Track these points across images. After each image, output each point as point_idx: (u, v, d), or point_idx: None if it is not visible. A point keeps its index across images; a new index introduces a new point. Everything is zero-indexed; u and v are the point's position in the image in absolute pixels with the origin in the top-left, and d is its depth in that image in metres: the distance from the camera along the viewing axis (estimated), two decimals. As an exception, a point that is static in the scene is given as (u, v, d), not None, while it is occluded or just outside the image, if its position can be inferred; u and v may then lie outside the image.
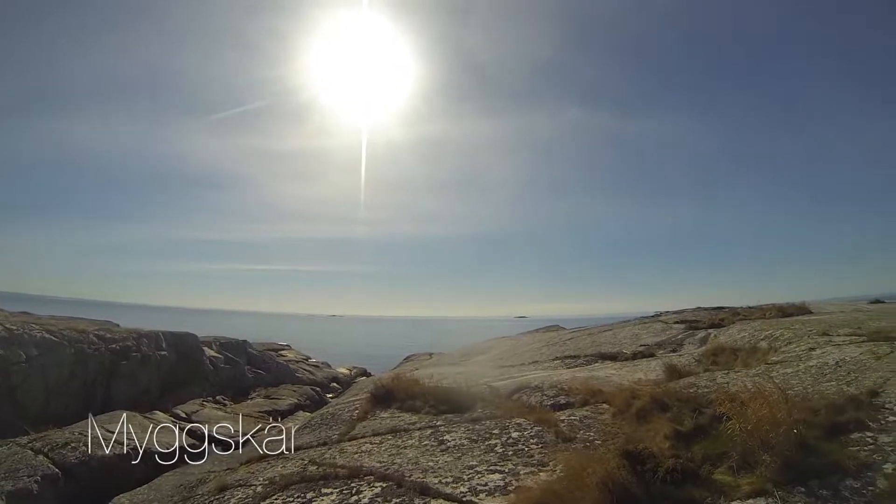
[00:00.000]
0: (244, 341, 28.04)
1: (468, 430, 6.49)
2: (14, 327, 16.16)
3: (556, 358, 14.50)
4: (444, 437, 6.25)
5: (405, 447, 6.17)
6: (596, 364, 12.59)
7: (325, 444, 7.36)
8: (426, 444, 6.11)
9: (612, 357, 13.33)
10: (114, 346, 18.49)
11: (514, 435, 6.08)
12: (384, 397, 9.06)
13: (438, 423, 7.04)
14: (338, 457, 6.29)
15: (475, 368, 14.95)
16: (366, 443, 6.69)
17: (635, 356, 12.86)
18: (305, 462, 6.39)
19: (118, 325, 24.58)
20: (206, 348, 23.47)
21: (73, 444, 12.09)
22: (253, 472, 6.86)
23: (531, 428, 6.27)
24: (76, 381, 16.62)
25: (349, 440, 7.11)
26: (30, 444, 12.06)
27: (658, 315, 21.92)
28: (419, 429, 6.90)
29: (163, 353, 20.23)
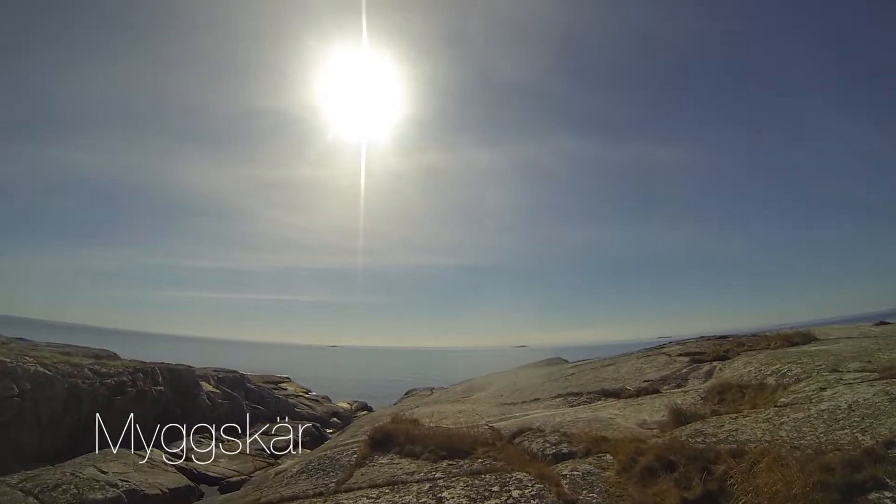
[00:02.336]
0: (242, 375, 27.72)
1: (467, 485, 6.35)
2: (7, 359, 15.96)
3: (559, 395, 14.07)
4: (442, 495, 6.10)
5: (402, 505, 6.06)
6: (599, 402, 12.27)
7: (321, 493, 7.23)
8: (423, 503, 6.01)
9: (616, 394, 12.96)
10: (108, 381, 18.26)
11: (515, 494, 5.88)
12: (383, 441, 8.87)
13: (437, 476, 6.89)
14: (333, 514, 6.18)
15: (476, 406, 14.56)
16: (362, 496, 6.54)
17: (639, 393, 12.49)
18: (299, 518, 6.28)
19: (116, 355, 24.30)
20: (203, 383, 23.17)
21: (63, 486, 11.86)
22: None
23: (532, 485, 6.09)
24: (69, 417, 16.33)
25: (346, 491, 6.95)
26: (20, 485, 11.85)
27: (661, 346, 21.57)
28: (417, 481, 6.75)
29: (159, 388, 19.96)
